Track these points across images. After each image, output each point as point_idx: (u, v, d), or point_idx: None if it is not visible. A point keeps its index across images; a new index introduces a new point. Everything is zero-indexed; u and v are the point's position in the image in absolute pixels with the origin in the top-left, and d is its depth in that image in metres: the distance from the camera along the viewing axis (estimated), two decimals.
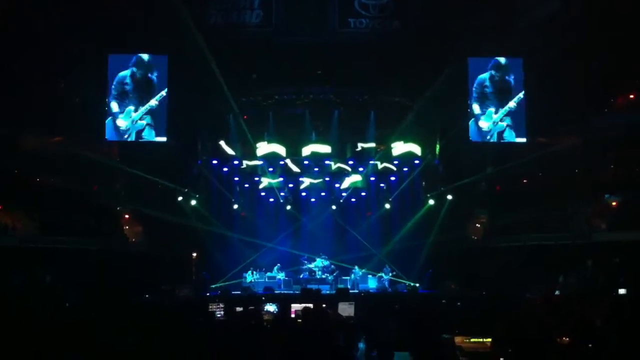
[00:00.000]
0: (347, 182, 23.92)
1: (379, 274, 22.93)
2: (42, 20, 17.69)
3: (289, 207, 24.52)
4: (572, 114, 19.70)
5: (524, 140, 20.06)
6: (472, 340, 8.26)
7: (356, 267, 23.07)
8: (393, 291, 21.98)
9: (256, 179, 24.02)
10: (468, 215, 23.08)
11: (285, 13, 19.56)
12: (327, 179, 23.98)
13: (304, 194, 24.70)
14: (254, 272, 22.89)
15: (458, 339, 8.12)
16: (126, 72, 19.69)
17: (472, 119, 20.05)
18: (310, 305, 9.69)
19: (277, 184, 23.99)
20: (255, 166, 23.32)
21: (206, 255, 22.49)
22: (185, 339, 7.16)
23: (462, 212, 22.74)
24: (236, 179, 24.03)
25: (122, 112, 19.65)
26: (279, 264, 23.30)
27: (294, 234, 24.59)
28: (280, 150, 22.41)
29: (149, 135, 19.77)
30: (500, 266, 19.71)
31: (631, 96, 20.20)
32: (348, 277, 22.95)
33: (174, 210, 21.56)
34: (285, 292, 21.49)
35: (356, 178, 23.75)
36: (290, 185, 24.32)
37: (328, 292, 20.62)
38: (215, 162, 23.18)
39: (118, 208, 22.24)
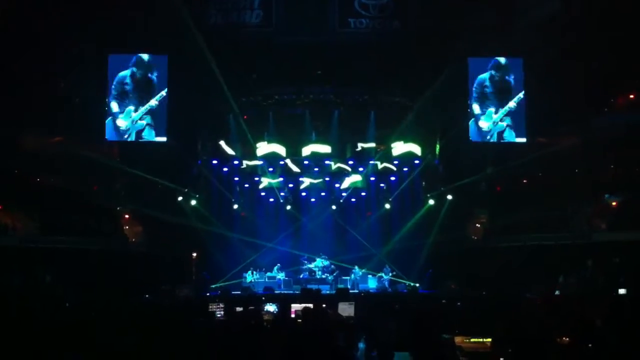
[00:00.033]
0: (347, 182, 23.92)
1: (379, 274, 22.92)
2: (42, 20, 17.69)
3: (289, 207, 24.52)
4: (572, 114, 19.68)
5: (524, 140, 20.05)
6: (472, 340, 8.27)
7: (356, 267, 23.06)
8: (393, 291, 21.97)
9: (256, 179, 24.02)
10: (468, 215, 23.07)
11: (285, 13, 19.56)
12: (327, 179, 23.98)
13: (304, 194, 24.70)
14: (254, 272, 22.88)
15: (458, 339, 8.12)
16: (126, 72, 19.68)
17: (472, 119, 20.04)
18: (310, 305, 9.70)
19: (277, 184, 23.99)
20: (255, 166, 23.33)
21: (206, 255, 22.48)
22: (185, 339, 7.16)
23: (462, 212, 22.74)
24: (236, 179, 24.03)
25: (122, 112, 19.64)
26: (279, 264, 23.29)
27: (294, 234, 24.59)
28: (280, 150, 22.42)
29: (149, 135, 19.77)
30: (500, 266, 19.70)
31: (631, 96, 20.19)
32: (348, 277, 22.94)
33: (174, 210, 21.55)
34: (285, 292, 21.48)
35: (356, 178, 23.75)
36: (290, 185, 24.32)
37: (328, 292, 20.61)
38: (215, 162, 23.18)
39: (118, 208, 22.21)
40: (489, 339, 7.80)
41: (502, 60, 20.08)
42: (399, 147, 22.41)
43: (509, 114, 19.94)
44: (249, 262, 23.37)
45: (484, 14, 18.28)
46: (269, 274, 22.99)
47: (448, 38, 19.00)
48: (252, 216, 24.46)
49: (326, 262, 23.34)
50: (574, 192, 20.46)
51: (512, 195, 21.94)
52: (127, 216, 22.51)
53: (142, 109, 19.68)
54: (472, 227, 23.14)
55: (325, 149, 22.41)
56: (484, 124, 19.99)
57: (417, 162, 23.06)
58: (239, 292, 21.02)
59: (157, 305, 14.07)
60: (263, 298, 16.67)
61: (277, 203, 24.65)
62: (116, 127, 19.65)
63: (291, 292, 21.29)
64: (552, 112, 19.69)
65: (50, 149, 19.69)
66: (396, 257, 23.64)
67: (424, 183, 24.11)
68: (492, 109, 19.98)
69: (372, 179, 24.41)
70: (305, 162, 23.18)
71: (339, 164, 23.27)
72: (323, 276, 22.96)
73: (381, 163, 23.24)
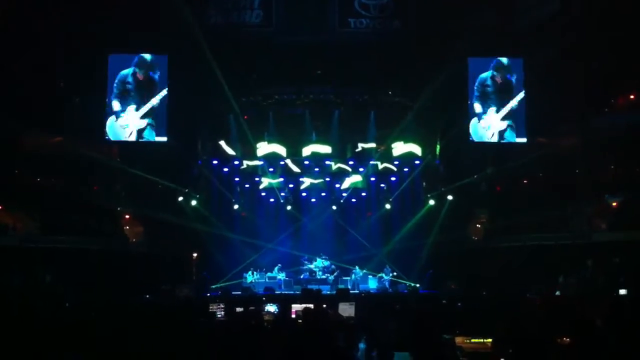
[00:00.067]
0: (347, 183, 23.91)
1: (380, 275, 22.90)
2: (42, 20, 17.70)
3: (289, 208, 24.51)
4: (572, 114, 19.71)
5: (524, 140, 20.04)
6: (473, 340, 8.28)
7: (357, 268, 23.05)
8: (393, 291, 21.94)
9: (256, 179, 24.01)
10: (468, 215, 23.05)
11: (286, 13, 19.56)
12: (327, 179, 23.97)
13: (304, 194, 24.69)
14: (255, 273, 22.86)
15: (459, 339, 8.14)
16: (128, 71, 19.66)
17: (474, 118, 20.03)
18: (311, 306, 9.70)
19: (278, 184, 23.98)
20: (256, 166, 23.33)
21: (207, 255, 22.47)
22: (185, 339, 7.16)
23: (463, 212, 22.72)
24: (236, 179, 24.02)
25: (123, 110, 19.63)
26: (279, 265, 23.28)
27: (294, 234, 24.57)
28: (281, 150, 22.42)
29: (150, 135, 19.76)
30: (501, 266, 19.70)
31: (631, 96, 20.18)
32: (348, 278, 22.92)
33: (175, 210, 21.54)
34: (286, 292, 21.46)
35: (356, 178, 23.74)
36: (291, 186, 24.31)
37: (328, 292, 20.61)
38: (215, 162, 23.20)
39: (118, 208, 22.21)
40: (490, 339, 7.81)
41: (504, 60, 20.07)
42: (399, 147, 22.41)
43: (510, 113, 19.93)
44: (250, 262, 23.34)
45: (484, 14, 18.28)
46: (269, 274, 22.96)
47: (448, 38, 18.99)
48: (253, 216, 24.44)
49: (326, 263, 23.34)
50: (574, 192, 20.45)
51: (513, 196, 21.95)
52: (127, 216, 22.49)
53: (144, 108, 19.67)
54: (473, 228, 23.12)
55: (325, 149, 22.42)
56: (486, 123, 19.98)
57: (417, 162, 23.07)
58: (240, 293, 20.99)
59: (158, 306, 14.07)
60: (263, 298, 16.68)
61: (277, 203, 24.64)
62: (118, 126, 19.63)
63: (292, 292, 21.28)
64: (552, 112, 19.69)
65: (50, 149, 19.70)
66: (396, 257, 23.62)
67: (424, 183, 24.08)
68: (494, 108, 19.98)
69: (373, 179, 24.40)
70: (306, 163, 23.20)
71: (339, 164, 23.27)
72: (324, 276, 22.95)
73: (381, 163, 23.23)
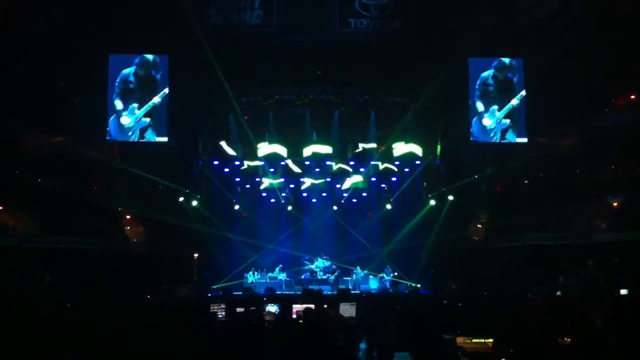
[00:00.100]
0: (348, 183, 23.89)
1: (381, 275, 22.89)
2: (42, 20, 17.70)
3: (290, 208, 24.52)
4: (572, 114, 19.71)
5: (524, 140, 20.03)
6: (474, 340, 8.27)
7: (358, 268, 23.05)
8: (394, 292, 21.91)
9: (257, 179, 24.02)
10: (469, 215, 23.06)
11: (286, 13, 19.55)
12: (328, 179, 23.96)
13: (305, 194, 24.69)
14: (255, 273, 22.85)
15: (460, 340, 8.14)
16: (130, 70, 19.68)
17: (476, 117, 20.01)
18: (312, 306, 9.70)
19: (278, 185, 23.99)
20: (257, 167, 23.32)
21: (207, 255, 22.49)
22: (185, 339, 7.16)
23: (463, 212, 22.72)
24: (237, 179, 24.03)
25: (125, 109, 19.64)
26: (280, 265, 23.27)
27: (295, 234, 24.58)
28: (281, 150, 22.41)
29: (150, 136, 19.76)
30: (501, 266, 19.70)
31: (631, 96, 20.19)
32: (350, 278, 22.91)
33: (175, 210, 21.54)
34: (287, 292, 21.45)
35: (357, 178, 23.72)
36: (292, 186, 24.33)
37: (329, 292, 20.60)
38: (216, 162, 23.22)
39: (119, 209, 22.20)
40: (491, 340, 7.81)
41: (505, 60, 20.06)
42: (399, 148, 22.39)
43: (511, 112, 19.92)
44: (250, 262, 23.34)
45: (484, 14, 18.27)
46: (270, 274, 22.95)
47: (448, 38, 18.96)
48: (254, 217, 24.45)
49: (327, 263, 23.33)
50: (574, 192, 20.45)
51: (513, 196, 21.97)
52: (128, 216, 22.50)
53: (146, 107, 19.67)
54: (473, 228, 23.13)
55: (326, 149, 22.41)
56: (488, 122, 19.96)
57: (418, 162, 23.06)
58: (240, 293, 20.99)
59: (158, 306, 14.07)
60: (264, 298, 16.65)
61: (278, 203, 24.66)
62: (120, 125, 19.62)
63: (292, 292, 21.28)
64: (552, 112, 19.69)
65: (50, 149, 19.70)
66: (397, 257, 23.61)
67: (425, 183, 24.06)
68: (496, 107, 19.97)
69: (373, 179, 24.41)
70: (306, 163, 23.21)
71: (340, 165, 23.26)
72: (324, 277, 22.94)
73: (382, 163, 23.20)
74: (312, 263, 23.54)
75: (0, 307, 11.02)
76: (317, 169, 23.44)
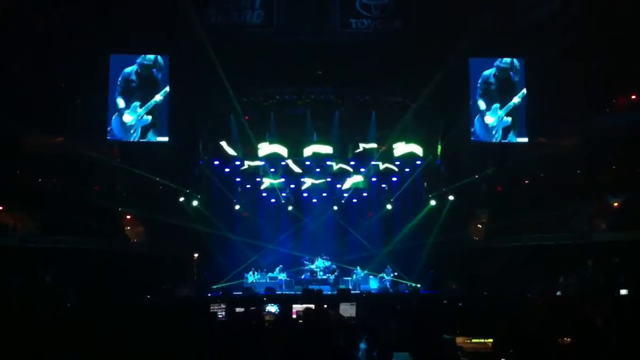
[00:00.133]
0: (348, 183, 23.89)
1: (381, 275, 22.88)
2: (42, 20, 17.71)
3: (290, 208, 24.52)
4: (572, 114, 19.71)
5: (525, 140, 20.03)
6: (474, 340, 8.27)
7: (358, 268, 23.05)
8: (394, 292, 21.91)
9: (258, 179, 24.00)
10: (469, 215, 23.06)
11: (287, 13, 19.55)
12: (328, 179, 23.95)
13: (305, 194, 24.68)
14: (255, 273, 22.84)
15: (459, 340, 8.14)
16: (132, 69, 19.69)
17: (478, 115, 20.00)
18: (312, 306, 9.70)
19: (279, 185, 23.98)
20: (257, 167, 23.32)
21: (208, 255, 22.50)
22: (185, 339, 7.16)
23: (463, 212, 22.72)
24: (238, 179, 24.02)
25: (128, 107, 19.66)
26: (281, 265, 23.27)
27: (295, 234, 24.57)
28: (282, 150, 22.41)
29: (151, 136, 19.77)
30: (501, 266, 19.70)
31: (631, 96, 20.19)
32: (350, 278, 22.91)
33: (176, 210, 21.55)
34: (287, 292, 21.44)
35: (358, 178, 23.71)
36: (292, 186, 24.32)
37: (329, 292, 20.60)
38: (216, 162, 23.24)
39: (119, 209, 22.21)
40: (490, 340, 7.81)
41: (505, 60, 20.05)
42: (400, 148, 22.39)
43: (512, 112, 19.91)
44: (251, 262, 23.34)
45: (484, 14, 18.27)
46: (270, 274, 22.94)
47: (448, 38, 18.97)
48: (254, 217, 24.43)
49: (327, 263, 23.32)
50: (574, 192, 20.45)
51: (513, 196, 21.97)
52: (128, 216, 22.50)
53: (148, 104, 19.69)
54: (473, 228, 23.13)
55: (326, 149, 22.41)
56: (490, 119, 19.96)
57: (418, 162, 23.07)
58: (241, 293, 20.99)
59: (158, 306, 14.07)
60: (264, 299, 16.65)
61: (278, 204, 24.65)
62: (122, 123, 19.64)
63: (292, 292, 21.28)
64: (553, 112, 19.70)
65: (51, 149, 19.71)
66: (397, 257, 23.60)
67: (425, 183, 24.05)
68: (498, 105, 19.96)
69: (374, 179, 24.39)
70: (307, 163, 23.22)
71: (340, 165, 23.26)
72: (324, 277, 22.94)
73: (383, 163, 23.20)
74: (312, 263, 23.54)
75: (0, 307, 11.02)
76: (318, 169, 23.44)
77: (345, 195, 24.33)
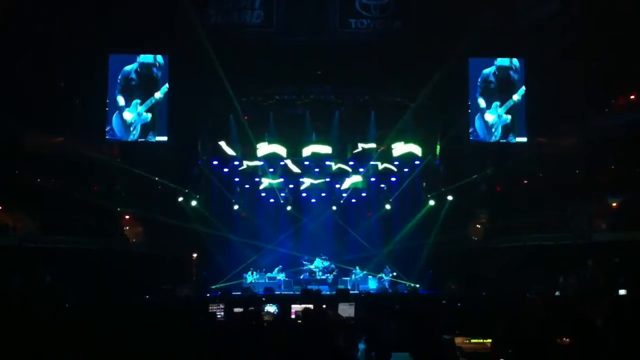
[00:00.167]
0: (347, 183, 23.90)
1: (380, 275, 22.89)
2: (42, 21, 17.71)
3: (289, 208, 24.52)
4: (572, 114, 19.71)
5: (524, 140, 20.04)
6: (473, 341, 8.26)
7: (357, 268, 23.06)
8: (393, 292, 21.92)
9: (257, 179, 24.01)
10: (468, 215, 23.05)
11: (286, 13, 19.58)
12: (327, 179, 23.96)
13: (304, 194, 24.69)
14: (254, 273, 22.85)
15: (458, 340, 8.12)
16: (132, 67, 19.75)
17: (478, 114, 20.01)
18: (311, 306, 9.69)
19: (278, 185, 23.99)
20: (256, 167, 23.33)
21: (207, 255, 22.50)
22: (185, 339, 7.16)
23: (463, 212, 22.71)
24: (237, 179, 24.02)
25: (128, 105, 19.68)
26: (280, 265, 23.27)
27: (294, 234, 24.57)
28: (281, 150, 22.43)
29: (151, 136, 19.77)
30: (501, 266, 19.70)
31: (631, 96, 20.19)
32: (348, 278, 22.91)
33: (175, 210, 21.54)
34: (286, 292, 21.44)
35: (357, 178, 23.72)
36: (291, 186, 24.33)
37: (328, 292, 20.59)
38: (215, 162, 23.23)
39: (119, 209, 22.20)
40: (489, 340, 7.80)
41: (505, 59, 20.06)
42: (399, 148, 22.40)
43: (512, 109, 19.91)
44: (249, 262, 23.34)
45: (484, 14, 18.27)
46: (269, 274, 22.96)
47: (448, 38, 18.97)
48: (253, 217, 24.44)
49: (326, 263, 23.33)
50: (574, 192, 20.45)
51: (513, 196, 21.97)
52: (127, 216, 22.50)
53: (148, 102, 19.70)
54: (473, 228, 23.12)
55: (325, 149, 22.43)
56: (490, 117, 19.97)
57: (417, 162, 23.08)
58: (240, 293, 20.97)
59: (158, 306, 14.07)
60: (263, 299, 16.64)
61: (277, 204, 24.65)
62: (123, 121, 19.67)
63: (291, 292, 21.26)
64: (552, 112, 19.70)
65: (50, 149, 19.71)
66: (396, 257, 23.62)
67: (424, 183, 24.06)
68: (498, 103, 19.96)
69: (373, 179, 24.41)
70: (306, 163, 23.22)
71: (339, 165, 23.28)
72: (323, 277, 22.95)
73: (382, 163, 23.22)
74: (311, 263, 23.54)
75: (0, 307, 11.01)
76: (317, 169, 23.45)
77: (344, 195, 24.34)
